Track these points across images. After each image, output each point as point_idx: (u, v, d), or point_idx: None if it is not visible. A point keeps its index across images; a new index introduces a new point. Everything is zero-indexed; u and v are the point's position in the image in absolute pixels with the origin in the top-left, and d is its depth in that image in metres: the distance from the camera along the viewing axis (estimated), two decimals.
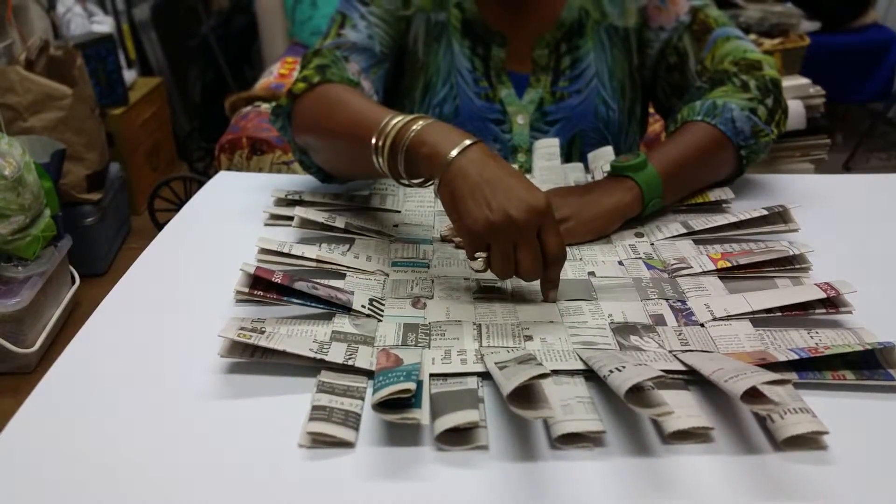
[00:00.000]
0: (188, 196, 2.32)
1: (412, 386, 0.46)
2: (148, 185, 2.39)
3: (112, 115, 2.29)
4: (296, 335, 0.56)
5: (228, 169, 1.79)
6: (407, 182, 0.66)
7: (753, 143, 0.79)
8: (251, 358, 0.53)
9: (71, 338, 0.59)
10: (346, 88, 0.77)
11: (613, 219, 0.73)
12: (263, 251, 0.64)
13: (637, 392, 0.47)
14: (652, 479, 0.45)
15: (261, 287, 0.58)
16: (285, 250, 0.65)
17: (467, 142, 0.61)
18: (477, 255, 0.60)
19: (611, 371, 0.48)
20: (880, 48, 2.62)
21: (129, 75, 2.49)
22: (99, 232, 2.07)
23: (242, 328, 0.53)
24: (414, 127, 0.63)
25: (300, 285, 0.58)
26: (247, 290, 0.58)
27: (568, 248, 0.71)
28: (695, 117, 0.79)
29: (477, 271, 0.60)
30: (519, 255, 0.59)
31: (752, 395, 0.46)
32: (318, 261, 0.65)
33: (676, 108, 0.88)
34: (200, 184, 0.93)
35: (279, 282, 0.58)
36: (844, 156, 2.63)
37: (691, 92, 0.88)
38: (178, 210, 2.42)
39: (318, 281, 0.61)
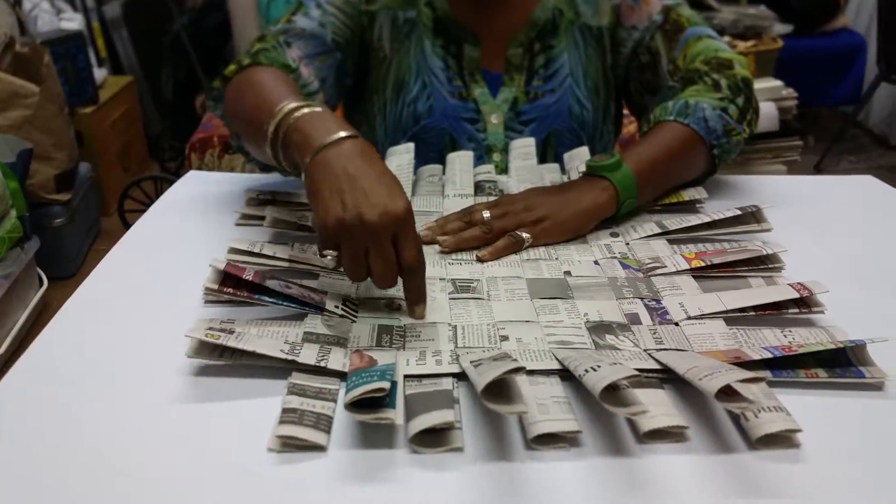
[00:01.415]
0: (159, 196, 2.29)
1: (386, 385, 0.46)
2: (119, 185, 2.35)
3: (82, 115, 2.25)
4: (266, 336, 0.55)
5: (200, 168, 1.77)
6: (290, 172, 0.67)
7: (725, 141, 0.79)
8: (220, 359, 0.52)
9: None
10: (271, 72, 0.77)
11: (590, 219, 0.73)
12: (234, 251, 0.63)
13: (612, 391, 0.47)
14: (627, 478, 0.45)
15: (231, 285, 0.57)
16: (256, 250, 0.63)
17: (342, 134, 0.59)
18: (326, 252, 0.57)
19: (586, 370, 0.48)
20: (850, 52, 2.67)
21: (100, 74, 2.45)
22: (68, 233, 2.04)
23: (211, 328, 0.52)
24: (296, 114, 0.62)
25: (272, 283, 0.57)
26: (216, 286, 0.56)
27: (544, 248, 0.71)
28: (667, 117, 0.79)
29: (328, 269, 0.61)
30: (369, 259, 0.56)
31: (727, 393, 0.46)
32: (290, 260, 0.64)
33: (650, 108, 0.89)
34: (172, 184, 0.91)
35: (250, 279, 0.57)
36: (816, 158, 2.67)
37: (663, 91, 0.89)
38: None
39: (290, 280, 0.60)
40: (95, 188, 2.29)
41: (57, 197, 1.99)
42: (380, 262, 0.56)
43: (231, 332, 0.52)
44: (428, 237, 0.71)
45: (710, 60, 0.85)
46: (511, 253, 0.69)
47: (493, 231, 0.70)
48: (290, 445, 0.46)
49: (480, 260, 0.68)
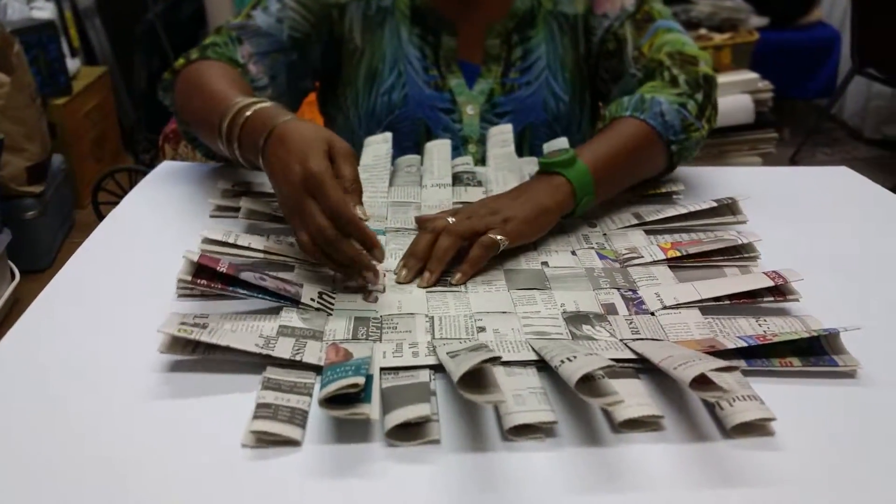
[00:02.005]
0: (133, 188, 2.26)
1: (361, 380, 0.45)
2: (92, 177, 2.31)
3: (54, 105, 2.21)
4: (241, 330, 0.54)
5: (173, 159, 1.74)
6: (244, 166, 0.71)
7: (684, 137, 0.78)
8: (193, 354, 0.52)
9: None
10: (219, 68, 0.78)
11: (551, 217, 0.70)
12: (208, 241, 0.62)
13: (588, 381, 0.47)
14: (603, 468, 0.45)
15: (205, 277, 0.56)
16: (231, 240, 0.63)
17: (287, 117, 0.64)
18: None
19: (562, 361, 0.48)
20: (825, 45, 2.69)
21: (73, 64, 2.40)
22: (41, 226, 2.00)
23: (184, 323, 0.51)
24: (247, 113, 0.67)
25: (247, 275, 0.56)
26: (189, 278, 0.56)
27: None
28: (623, 113, 0.78)
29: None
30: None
31: (701, 382, 0.46)
32: (265, 252, 0.63)
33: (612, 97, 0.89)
34: (146, 175, 0.90)
35: (224, 271, 0.56)
36: (791, 150, 2.70)
37: (625, 79, 0.89)
38: None
39: (265, 272, 0.59)
40: (69, 180, 2.25)
41: (29, 189, 1.95)
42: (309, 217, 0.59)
43: (204, 326, 0.51)
44: (407, 279, 0.64)
45: (675, 55, 0.84)
46: (486, 259, 0.65)
47: (460, 233, 0.65)
48: (265, 441, 0.46)
49: (457, 284, 0.63)
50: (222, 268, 0.56)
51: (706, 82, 0.81)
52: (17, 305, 1.82)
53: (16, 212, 1.92)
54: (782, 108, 2.58)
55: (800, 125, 2.85)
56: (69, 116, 2.27)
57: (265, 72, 0.85)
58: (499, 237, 0.65)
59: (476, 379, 0.47)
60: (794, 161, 2.65)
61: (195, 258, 0.56)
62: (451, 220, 0.67)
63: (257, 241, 0.64)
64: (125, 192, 2.25)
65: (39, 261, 2.02)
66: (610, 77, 0.93)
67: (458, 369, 0.44)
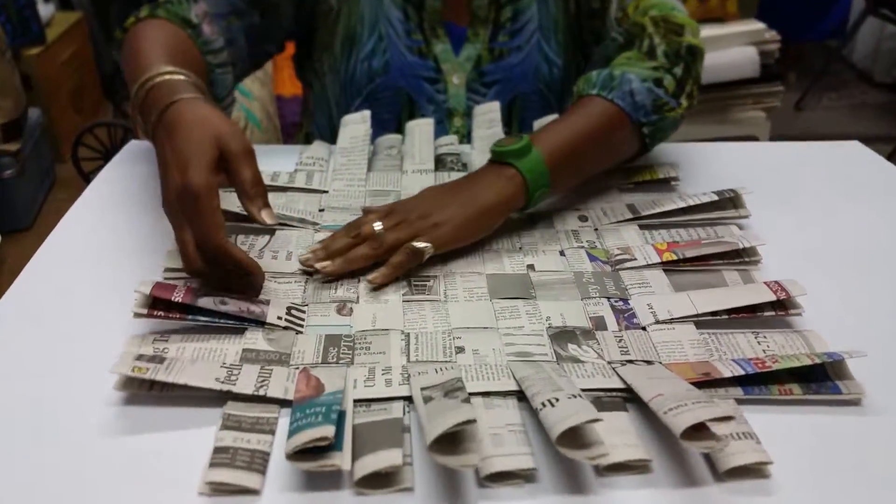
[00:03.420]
0: (113, 143, 2.19)
1: (330, 432, 0.42)
2: (73, 129, 2.23)
3: (27, 56, 2.12)
4: (203, 358, 0.50)
5: (146, 130, 1.67)
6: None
7: (657, 118, 0.70)
8: (150, 391, 0.48)
9: None
10: (160, 29, 0.72)
11: (494, 215, 0.64)
12: (170, 270, 0.58)
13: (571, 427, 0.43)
14: None
15: (162, 307, 0.52)
16: None
17: (172, 99, 0.57)
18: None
19: (543, 404, 0.44)
20: None
21: (46, 10, 2.29)
22: (20, 185, 1.94)
23: (140, 357, 0.47)
24: (149, 83, 0.61)
25: (204, 301, 0.52)
26: (145, 311, 0.52)
27: (507, 237, 0.67)
28: (590, 91, 0.70)
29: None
30: None
31: (694, 426, 0.42)
32: None
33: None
34: (126, 130, 0.85)
35: (180, 300, 0.51)
36: (796, 95, 2.61)
37: (606, 43, 0.82)
38: (104, 159, 2.26)
39: (226, 294, 0.54)
40: (47, 135, 2.18)
41: (5, 147, 1.89)
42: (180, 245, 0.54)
43: (162, 359, 0.47)
44: (308, 263, 0.60)
45: (659, 21, 0.76)
46: (409, 268, 0.60)
47: (384, 246, 0.60)
48: (222, 490, 0.43)
49: (372, 284, 0.59)
50: (178, 297, 0.51)
51: (689, 53, 0.73)
52: (0, 266, 1.79)
53: None
54: (790, 50, 2.49)
55: (807, 68, 2.75)
56: (44, 67, 2.18)
57: (220, 33, 0.77)
58: (423, 245, 0.60)
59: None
60: (798, 107, 2.57)
61: (147, 290, 0.51)
62: (378, 226, 0.61)
63: None
64: (105, 147, 2.19)
65: (20, 220, 1.97)
66: (593, 39, 0.87)
67: (431, 428, 0.41)
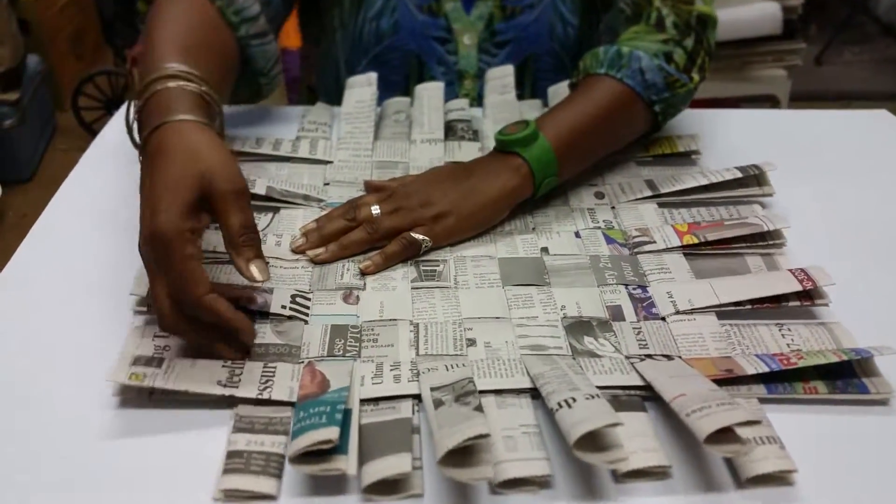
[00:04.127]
0: (114, 92, 2.14)
1: (334, 435, 0.40)
2: (74, 76, 2.19)
3: (25, 1, 2.05)
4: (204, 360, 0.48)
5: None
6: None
7: (669, 95, 0.67)
8: (151, 397, 0.46)
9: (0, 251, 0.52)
10: (184, 5, 0.64)
11: (499, 208, 0.61)
12: (140, 305, 0.56)
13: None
14: None
15: None
16: None
17: (160, 121, 0.50)
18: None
19: (559, 405, 0.42)
20: None
21: None
22: (20, 135, 1.91)
23: (137, 360, 0.45)
24: (151, 90, 0.53)
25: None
26: (145, 309, 0.50)
27: (520, 216, 0.64)
28: (597, 70, 0.66)
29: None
30: None
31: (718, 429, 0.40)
32: None
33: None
34: (127, 79, 0.82)
35: None
36: (816, 49, 2.52)
37: (613, 13, 0.77)
38: (104, 108, 2.22)
39: (228, 285, 0.52)
40: (47, 82, 2.13)
41: (4, 97, 1.85)
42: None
43: (161, 361, 0.46)
44: (301, 249, 0.58)
45: None
46: (404, 259, 0.58)
47: (380, 232, 0.58)
48: (237, 497, 0.41)
49: (364, 272, 0.56)
50: None
51: (699, 24, 0.68)
52: (2, 219, 1.77)
53: None
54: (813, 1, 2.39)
55: (828, 20, 2.65)
56: (42, 11, 2.12)
57: None
58: (421, 237, 0.58)
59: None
60: (818, 62, 2.48)
61: (143, 292, 0.49)
62: (375, 210, 0.59)
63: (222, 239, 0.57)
64: (106, 97, 2.13)
65: (21, 171, 1.94)
66: (601, 5, 0.82)
67: (440, 439, 0.39)
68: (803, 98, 1.91)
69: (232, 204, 0.47)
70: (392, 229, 0.58)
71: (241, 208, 0.47)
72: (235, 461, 0.42)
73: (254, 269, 0.47)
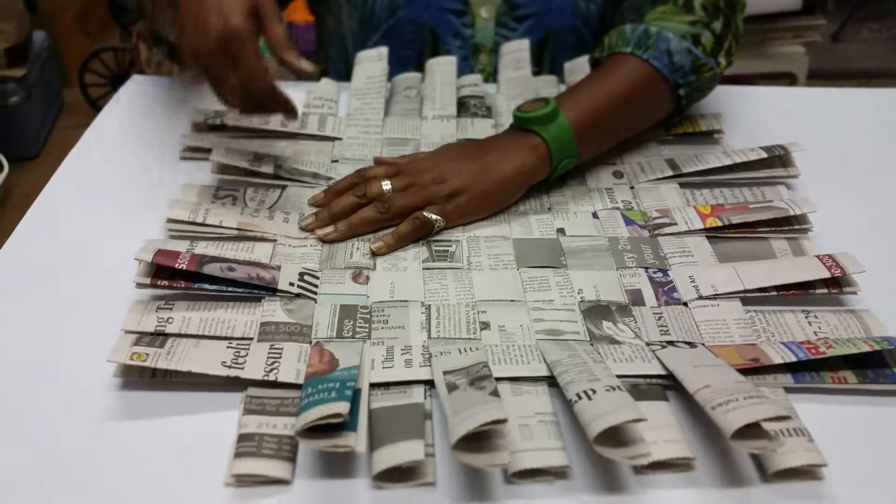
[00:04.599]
0: (121, 69, 2.11)
1: (344, 409, 0.38)
2: (80, 52, 2.16)
3: None
4: (209, 330, 0.46)
5: (149, 59, 1.59)
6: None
7: (694, 79, 0.64)
8: (153, 378, 0.44)
9: (2, 229, 0.51)
10: None
11: (514, 188, 0.59)
12: (173, 221, 0.54)
13: None
14: None
15: (166, 276, 0.48)
16: (200, 219, 0.54)
17: None
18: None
19: (579, 396, 0.40)
20: None
21: None
22: (26, 111, 1.89)
23: (139, 340, 0.44)
24: None
25: (211, 268, 0.48)
26: (148, 281, 0.48)
27: (535, 196, 0.62)
28: (624, 48, 0.64)
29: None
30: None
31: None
32: (240, 229, 0.55)
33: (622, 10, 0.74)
34: (133, 55, 0.81)
35: (185, 267, 0.47)
36: (834, 26, 2.47)
37: None
38: (111, 85, 2.20)
39: (234, 260, 0.50)
40: (53, 58, 2.11)
41: (9, 73, 1.82)
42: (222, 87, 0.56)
43: (163, 342, 0.44)
44: (310, 229, 0.57)
45: None
46: (416, 240, 0.56)
47: (391, 210, 0.56)
48: (250, 482, 0.40)
49: (376, 254, 0.55)
50: (182, 264, 0.47)
51: (728, 6, 0.66)
52: (7, 198, 1.75)
53: None
54: None
55: None
56: None
57: None
58: (434, 217, 0.56)
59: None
60: (835, 39, 2.43)
61: (149, 258, 0.47)
62: (386, 186, 0.57)
63: (230, 216, 0.55)
64: (112, 73, 2.11)
65: (27, 148, 1.92)
66: None
67: (455, 424, 0.37)
68: (820, 76, 1.87)
69: (275, 18, 0.55)
70: (404, 207, 0.56)
71: (280, 19, 0.57)
72: (247, 444, 0.40)
73: (304, 62, 0.55)
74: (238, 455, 0.40)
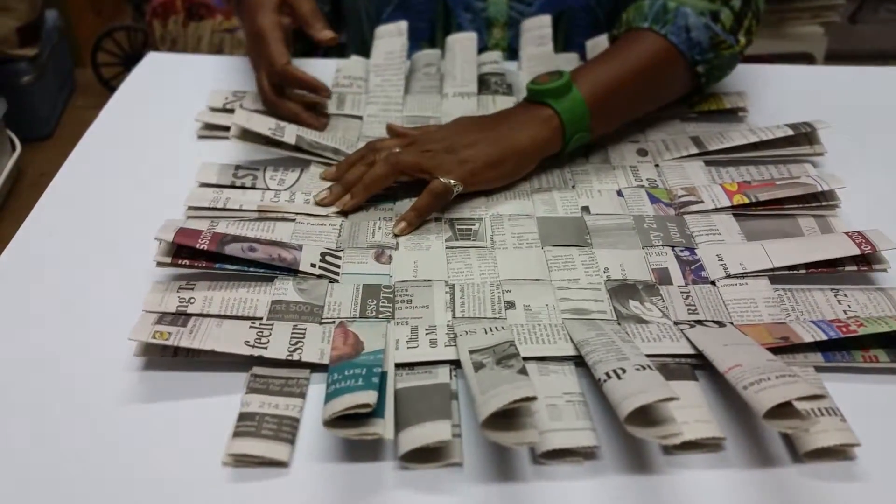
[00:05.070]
0: (133, 48, 2.11)
1: (373, 398, 0.38)
2: (93, 32, 2.15)
3: None
4: (232, 310, 0.46)
5: (163, 37, 1.58)
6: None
7: (713, 56, 0.63)
8: (175, 357, 0.44)
9: (16, 210, 0.52)
10: None
11: (526, 159, 0.59)
12: (193, 209, 0.54)
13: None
14: (651, 499, 0.39)
15: (187, 255, 0.48)
16: (220, 205, 0.54)
17: None
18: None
19: (608, 375, 0.40)
20: None
21: None
22: (38, 91, 1.89)
23: (161, 319, 0.44)
24: None
25: (232, 248, 0.48)
26: (169, 260, 0.48)
27: (558, 173, 0.61)
28: (641, 24, 0.63)
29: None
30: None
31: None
32: (260, 210, 0.54)
33: None
34: (146, 34, 0.80)
35: (206, 248, 0.47)
36: (851, 7, 2.42)
37: None
38: (123, 65, 2.19)
39: (255, 240, 0.50)
40: (66, 38, 2.10)
41: (21, 52, 1.82)
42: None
43: (185, 321, 0.44)
44: (326, 203, 0.56)
45: None
46: (436, 208, 0.55)
47: (402, 164, 0.55)
48: (247, 462, 0.40)
49: (399, 235, 0.54)
50: (203, 244, 0.47)
51: None
52: (21, 178, 1.76)
53: (10, 77, 1.80)
54: None
55: None
56: None
57: None
58: (451, 181, 0.55)
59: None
60: (853, 20, 2.38)
61: (170, 237, 0.47)
62: (397, 149, 0.57)
63: (250, 199, 0.55)
64: (125, 53, 2.10)
65: (40, 128, 1.92)
66: None
67: (483, 402, 0.37)
68: (838, 57, 1.84)
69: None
70: (415, 164, 0.55)
71: (310, 1, 0.67)
72: (246, 424, 0.40)
73: (327, 31, 0.64)
74: (237, 434, 0.40)
